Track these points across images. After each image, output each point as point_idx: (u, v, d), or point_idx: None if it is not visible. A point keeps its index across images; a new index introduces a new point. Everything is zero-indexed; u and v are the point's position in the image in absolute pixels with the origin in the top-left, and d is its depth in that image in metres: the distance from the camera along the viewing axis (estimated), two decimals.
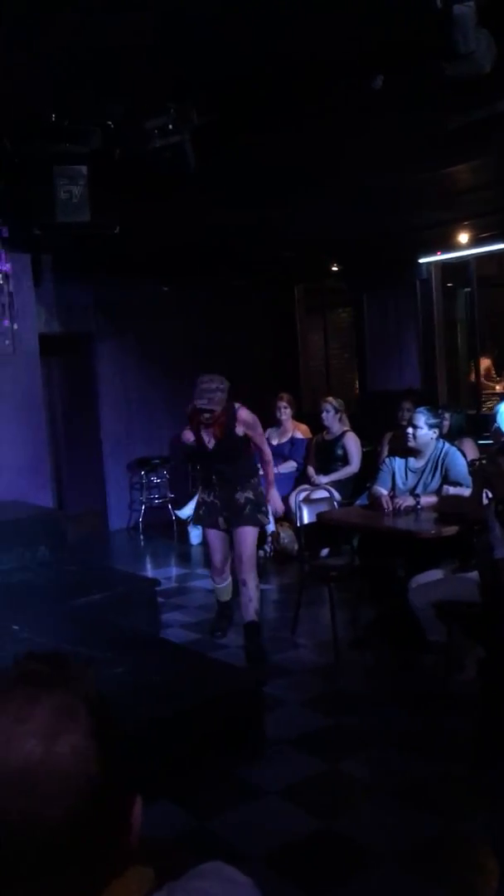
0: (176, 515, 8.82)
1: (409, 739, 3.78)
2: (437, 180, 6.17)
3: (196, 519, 5.55)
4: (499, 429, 4.83)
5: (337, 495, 7.36)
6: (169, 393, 9.72)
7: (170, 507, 9.36)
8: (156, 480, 9.64)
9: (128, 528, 9.62)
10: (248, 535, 5.11)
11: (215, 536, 5.28)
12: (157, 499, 9.58)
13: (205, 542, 5.56)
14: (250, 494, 5.10)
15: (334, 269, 9.71)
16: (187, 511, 8.47)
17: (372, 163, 5.89)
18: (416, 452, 5.05)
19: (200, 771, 3.45)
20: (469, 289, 9.07)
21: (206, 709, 3.56)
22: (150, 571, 7.75)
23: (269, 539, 7.63)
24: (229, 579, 5.43)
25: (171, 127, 5.75)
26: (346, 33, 4.76)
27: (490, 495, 4.20)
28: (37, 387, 7.78)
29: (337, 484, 7.45)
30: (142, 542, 9.11)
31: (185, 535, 8.66)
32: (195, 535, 8.58)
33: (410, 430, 5.01)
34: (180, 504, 8.83)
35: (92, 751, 0.84)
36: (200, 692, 3.67)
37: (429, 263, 8.90)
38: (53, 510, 7.76)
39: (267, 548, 7.62)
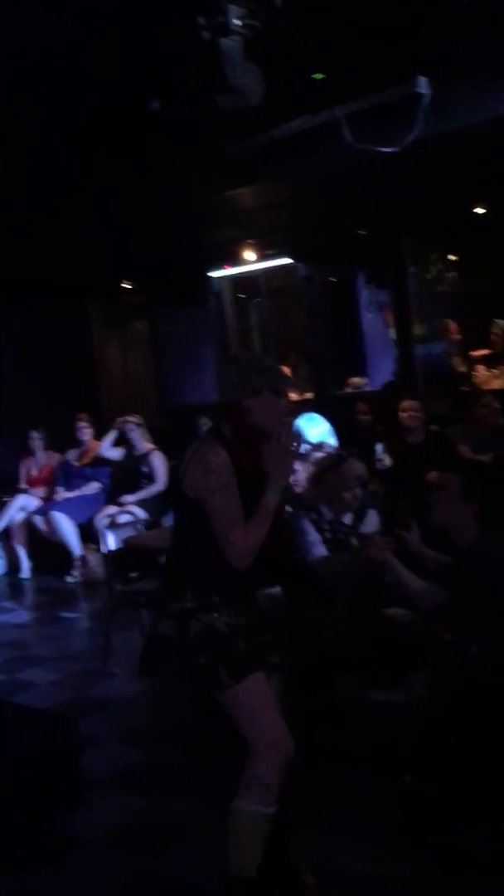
0: None
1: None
2: (222, 202, 6.32)
3: (239, 667, 2.53)
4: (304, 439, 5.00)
5: (142, 514, 7.35)
6: None
7: None
8: None
9: None
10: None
11: (265, 685, 2.63)
12: None
13: (242, 704, 2.58)
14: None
15: (126, 286, 9.68)
16: None
17: (157, 186, 5.94)
18: None
19: (14, 827, 3.28)
20: (260, 298, 9.36)
21: (12, 761, 3.41)
22: None
23: (78, 564, 7.47)
24: None
25: None
26: (119, 59, 4.77)
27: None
28: None
29: (143, 502, 7.45)
30: None
31: None
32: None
33: None
34: None
35: None
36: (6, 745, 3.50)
37: (220, 278, 9.09)
38: None
39: (75, 573, 7.45)
